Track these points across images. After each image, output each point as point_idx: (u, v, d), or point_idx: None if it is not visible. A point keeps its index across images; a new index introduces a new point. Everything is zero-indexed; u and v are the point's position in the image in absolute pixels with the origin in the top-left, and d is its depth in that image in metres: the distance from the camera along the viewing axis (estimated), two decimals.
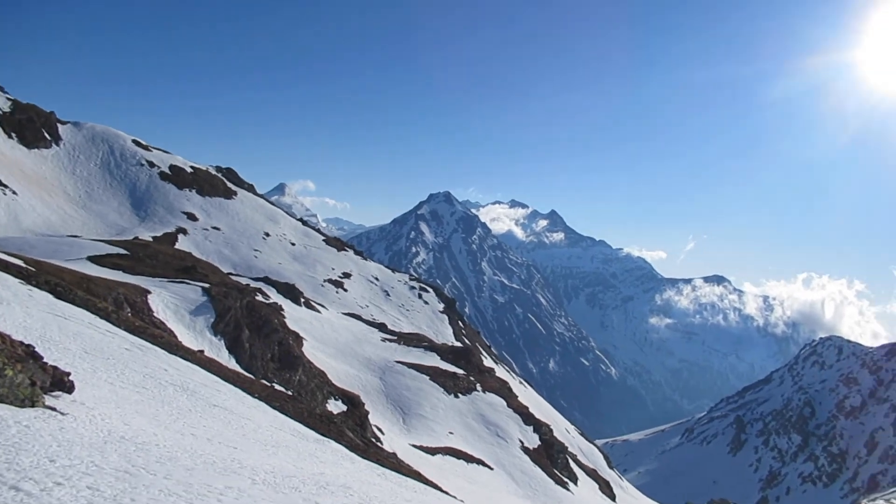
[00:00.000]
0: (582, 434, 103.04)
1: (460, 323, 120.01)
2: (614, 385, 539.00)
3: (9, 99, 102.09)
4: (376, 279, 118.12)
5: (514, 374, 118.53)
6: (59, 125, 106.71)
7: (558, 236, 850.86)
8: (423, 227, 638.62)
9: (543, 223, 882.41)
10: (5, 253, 38.23)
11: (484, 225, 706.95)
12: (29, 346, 12.38)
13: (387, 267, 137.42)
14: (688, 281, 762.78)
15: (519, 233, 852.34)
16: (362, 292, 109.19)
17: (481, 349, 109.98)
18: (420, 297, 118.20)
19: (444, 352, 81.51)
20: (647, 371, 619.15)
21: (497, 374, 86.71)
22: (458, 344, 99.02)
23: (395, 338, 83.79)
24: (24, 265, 34.24)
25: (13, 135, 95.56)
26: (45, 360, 12.06)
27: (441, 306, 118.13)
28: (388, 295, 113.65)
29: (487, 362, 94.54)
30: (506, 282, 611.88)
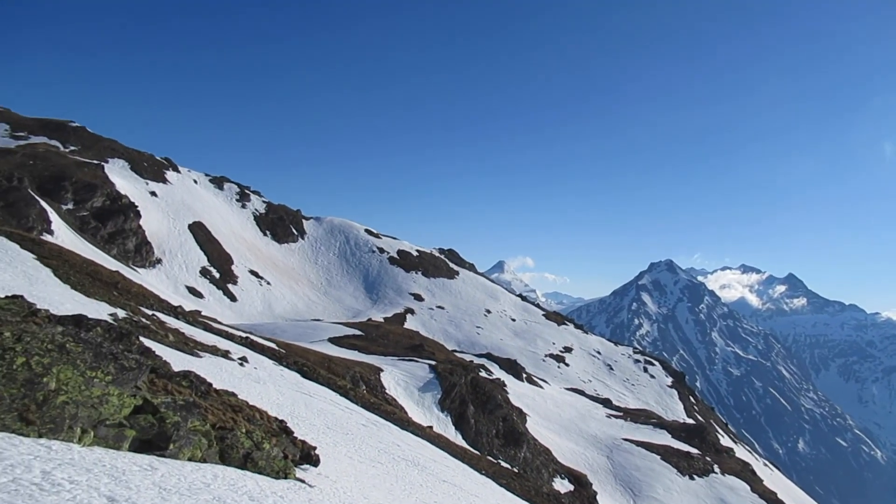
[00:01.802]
0: None
1: (691, 398, 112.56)
2: (881, 470, 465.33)
3: (264, 202, 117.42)
4: (598, 353, 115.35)
5: (756, 455, 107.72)
6: (303, 221, 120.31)
7: (799, 302, 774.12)
8: (646, 297, 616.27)
9: (781, 288, 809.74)
10: (262, 337, 43.11)
11: (712, 293, 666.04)
12: (282, 421, 13.77)
13: (609, 340, 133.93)
14: None
15: (753, 300, 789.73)
16: (584, 366, 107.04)
17: (717, 427, 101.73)
18: (646, 370, 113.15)
19: (675, 429, 76.67)
20: None
21: (737, 455, 79.44)
22: (691, 421, 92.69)
23: (622, 414, 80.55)
24: (277, 348, 38.34)
25: (267, 232, 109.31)
26: (295, 434, 13.32)
27: (669, 380, 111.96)
28: (612, 369, 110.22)
29: (725, 441, 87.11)
30: (740, 353, 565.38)
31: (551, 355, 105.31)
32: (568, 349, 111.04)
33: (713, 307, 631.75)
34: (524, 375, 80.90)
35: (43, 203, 57.69)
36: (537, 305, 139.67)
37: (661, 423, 78.99)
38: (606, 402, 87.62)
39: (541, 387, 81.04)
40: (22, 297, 13.57)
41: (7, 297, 12.96)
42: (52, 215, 57.42)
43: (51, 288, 26.10)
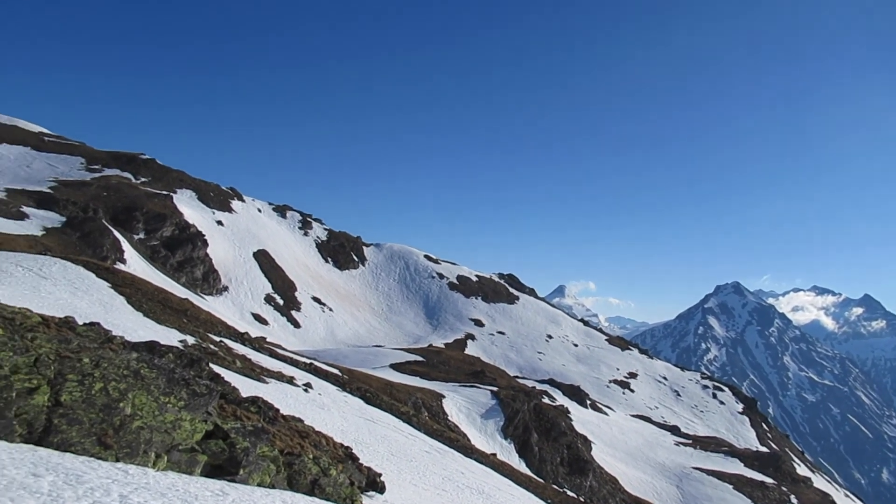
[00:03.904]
0: None
1: (764, 425, 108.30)
2: None
3: (325, 229, 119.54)
4: (664, 378, 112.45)
5: (836, 486, 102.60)
6: (364, 247, 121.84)
7: (878, 324, 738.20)
8: (712, 321, 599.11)
9: (858, 311, 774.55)
10: (326, 363, 43.58)
11: (782, 315, 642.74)
12: (347, 447, 13.77)
13: (675, 365, 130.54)
14: None
15: (828, 323, 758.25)
16: (650, 392, 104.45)
17: (792, 455, 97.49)
18: (714, 396, 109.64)
19: (748, 458, 73.85)
20: None
21: (815, 485, 75.90)
22: (764, 449, 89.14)
23: (691, 441, 78.10)
24: (340, 374, 38.67)
25: (329, 259, 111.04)
26: (360, 460, 13.29)
27: (740, 407, 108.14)
28: (679, 395, 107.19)
29: (801, 470, 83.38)
30: (815, 378, 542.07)
31: (615, 381, 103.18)
32: (633, 375, 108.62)
33: (784, 330, 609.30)
34: (588, 402, 79.41)
35: (116, 233, 60.07)
36: (600, 330, 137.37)
37: (732, 452, 76.26)
38: (674, 430, 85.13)
39: (606, 413, 79.35)
40: (98, 324, 14.02)
41: (85, 324, 13.41)
42: (125, 245, 59.69)
43: (124, 315, 26.99)
